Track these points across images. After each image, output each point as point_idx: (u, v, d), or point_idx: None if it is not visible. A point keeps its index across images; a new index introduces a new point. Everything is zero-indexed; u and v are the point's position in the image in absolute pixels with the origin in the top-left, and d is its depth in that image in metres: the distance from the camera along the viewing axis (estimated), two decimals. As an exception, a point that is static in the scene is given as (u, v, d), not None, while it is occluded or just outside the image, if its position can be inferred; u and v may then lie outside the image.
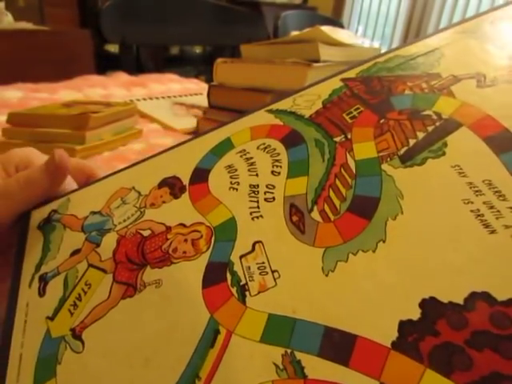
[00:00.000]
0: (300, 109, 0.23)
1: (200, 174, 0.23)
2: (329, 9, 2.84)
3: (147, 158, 0.26)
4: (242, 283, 0.17)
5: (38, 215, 0.25)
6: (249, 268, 0.17)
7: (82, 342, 0.19)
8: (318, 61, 0.47)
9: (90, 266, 0.21)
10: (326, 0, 2.83)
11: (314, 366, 0.14)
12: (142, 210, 0.23)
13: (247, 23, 1.47)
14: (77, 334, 0.19)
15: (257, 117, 0.24)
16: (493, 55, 0.20)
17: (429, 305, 0.13)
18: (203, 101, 0.59)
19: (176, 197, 0.22)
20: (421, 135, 0.18)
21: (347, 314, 0.14)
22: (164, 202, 0.22)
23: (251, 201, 0.20)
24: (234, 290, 0.17)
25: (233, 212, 0.20)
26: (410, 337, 0.13)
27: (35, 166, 0.24)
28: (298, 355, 0.14)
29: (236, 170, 0.22)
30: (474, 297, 0.13)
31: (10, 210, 0.24)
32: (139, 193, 0.24)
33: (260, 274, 0.17)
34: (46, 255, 0.23)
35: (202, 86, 0.90)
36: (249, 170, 0.21)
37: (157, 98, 0.74)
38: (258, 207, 0.20)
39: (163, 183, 0.23)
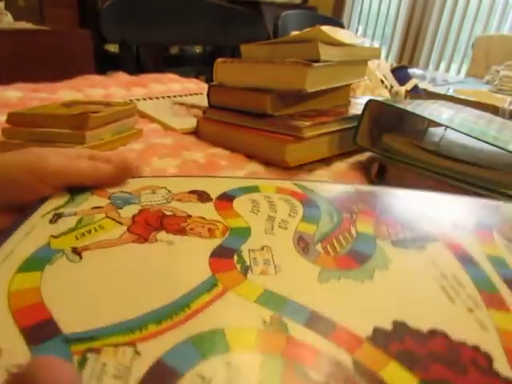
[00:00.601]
0: (320, 191, 0.29)
1: (227, 197, 0.27)
2: (329, 9, 2.84)
3: (180, 176, 0.30)
4: (246, 264, 0.20)
5: None
6: (255, 258, 0.20)
7: (81, 258, 0.19)
8: (318, 61, 0.47)
9: (108, 217, 0.23)
10: (326, 0, 2.83)
11: (299, 330, 0.16)
12: (168, 200, 0.25)
13: (247, 23, 1.47)
14: (77, 251, 0.20)
15: (284, 183, 0.29)
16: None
17: (399, 325, 0.17)
18: (203, 101, 0.59)
19: (202, 202, 0.26)
20: (407, 234, 0.24)
21: (333, 310, 0.17)
22: (190, 201, 0.26)
23: (267, 223, 0.24)
24: (238, 266, 0.20)
25: (250, 224, 0.24)
26: (380, 337, 0.16)
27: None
28: (286, 320, 0.16)
29: (258, 203, 0.26)
30: (434, 331, 0.17)
31: (70, 184, 0.25)
32: (169, 191, 0.27)
33: (264, 264, 0.20)
34: (68, 203, 0.24)
35: (202, 86, 0.90)
36: (269, 207, 0.26)
37: (157, 98, 0.74)
38: (272, 228, 0.23)
39: (193, 192, 0.27)
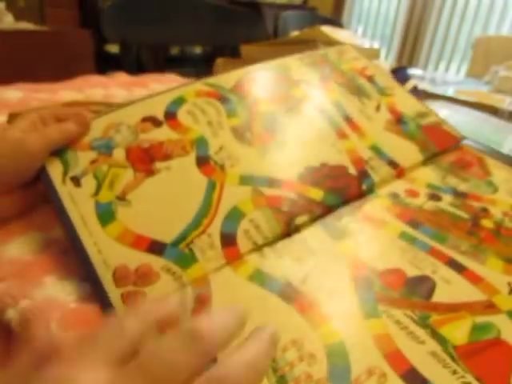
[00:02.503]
0: (225, 83, 0.38)
1: (170, 115, 0.34)
2: (329, 9, 2.84)
3: (119, 107, 0.35)
4: (220, 163, 0.31)
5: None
6: (221, 157, 0.31)
7: (128, 201, 0.27)
8: (317, 61, 0.47)
9: (111, 166, 0.29)
10: (326, 0, 2.83)
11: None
12: (135, 134, 0.32)
13: (247, 23, 1.47)
14: (122, 197, 0.27)
15: (196, 85, 0.37)
16: None
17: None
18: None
19: (157, 126, 0.33)
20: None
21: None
22: (151, 129, 0.32)
23: (209, 128, 0.33)
24: (216, 166, 0.31)
25: (201, 133, 0.33)
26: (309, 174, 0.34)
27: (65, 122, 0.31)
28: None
29: (194, 113, 0.34)
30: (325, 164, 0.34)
31: (47, 147, 0.30)
32: (128, 125, 0.32)
33: (228, 158, 0.31)
34: (67, 166, 0.29)
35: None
36: (202, 114, 0.34)
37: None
38: (215, 131, 0.33)
39: (145, 119, 0.33)
